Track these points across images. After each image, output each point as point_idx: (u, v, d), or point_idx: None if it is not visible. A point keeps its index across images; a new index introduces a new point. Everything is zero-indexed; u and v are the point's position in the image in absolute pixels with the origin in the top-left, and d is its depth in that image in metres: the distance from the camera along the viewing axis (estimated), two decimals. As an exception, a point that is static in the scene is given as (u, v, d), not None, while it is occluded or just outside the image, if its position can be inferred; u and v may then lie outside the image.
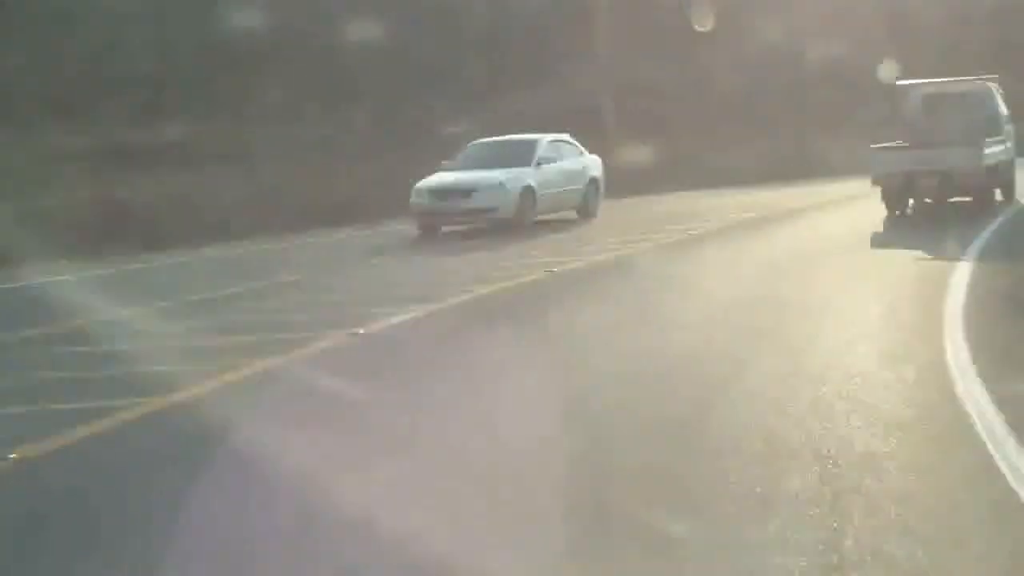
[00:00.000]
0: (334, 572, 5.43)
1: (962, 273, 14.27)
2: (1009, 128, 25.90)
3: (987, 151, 23.61)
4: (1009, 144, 25.59)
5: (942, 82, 25.97)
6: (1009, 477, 6.22)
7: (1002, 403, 7.53)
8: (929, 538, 5.49)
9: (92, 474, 7.35)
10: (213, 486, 6.54)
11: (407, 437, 7.70)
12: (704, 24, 37.98)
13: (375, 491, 6.42)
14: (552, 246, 20.54)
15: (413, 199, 23.85)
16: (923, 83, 25.92)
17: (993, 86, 25.62)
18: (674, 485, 6.48)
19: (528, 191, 23.81)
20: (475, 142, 26.15)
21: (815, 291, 14.25)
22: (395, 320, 12.45)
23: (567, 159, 25.47)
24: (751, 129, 38.32)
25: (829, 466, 6.49)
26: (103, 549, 5.88)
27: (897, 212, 23.84)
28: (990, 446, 6.76)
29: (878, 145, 24.81)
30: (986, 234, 19.05)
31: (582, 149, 26.29)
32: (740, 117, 39.12)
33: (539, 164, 24.43)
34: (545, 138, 25.42)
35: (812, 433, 7.19)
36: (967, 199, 23.97)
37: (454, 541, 5.60)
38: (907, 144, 24.73)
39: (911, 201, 24.28)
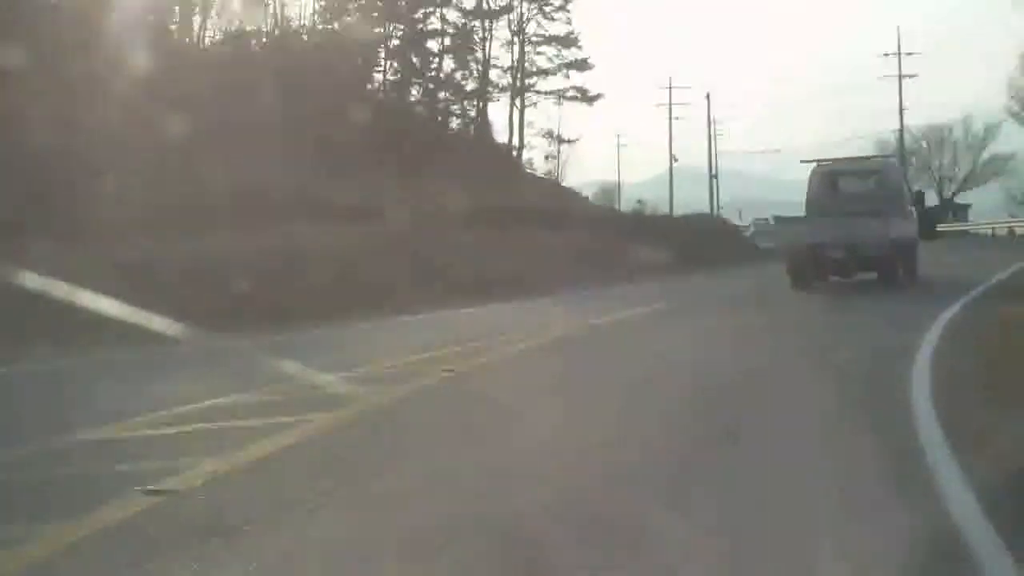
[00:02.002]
0: None
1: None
2: (910, 208, 26.50)
3: (893, 224, 23.86)
4: (911, 222, 26.03)
5: (848, 159, 27.02)
6: None
7: None
8: None
9: None
10: None
11: None
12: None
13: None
14: None
15: None
16: (829, 161, 26.67)
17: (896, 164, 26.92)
18: None
19: None
20: None
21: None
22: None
23: None
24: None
25: None
26: None
27: (803, 288, 24.01)
28: None
29: (783, 216, 25.53)
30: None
31: None
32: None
33: None
34: None
35: None
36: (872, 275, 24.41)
37: None
38: (812, 216, 25.02)
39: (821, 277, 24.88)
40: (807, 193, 26.04)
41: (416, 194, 34.78)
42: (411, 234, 29.46)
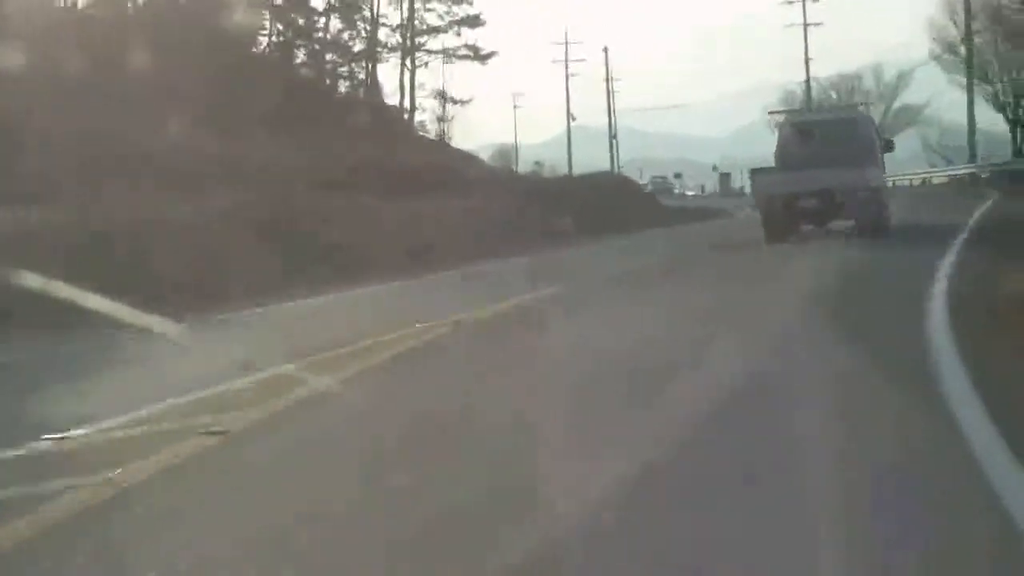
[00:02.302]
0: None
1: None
2: (882, 157, 26.54)
3: (870, 172, 24.32)
4: (883, 172, 26.41)
5: (818, 110, 27.92)
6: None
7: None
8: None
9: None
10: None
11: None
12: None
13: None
14: None
15: None
16: (797, 111, 27.41)
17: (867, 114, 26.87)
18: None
19: None
20: None
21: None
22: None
23: None
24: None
25: None
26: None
27: (778, 241, 23.94)
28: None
29: (758, 168, 25.59)
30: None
31: None
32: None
33: None
34: None
35: None
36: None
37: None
38: (789, 166, 24.98)
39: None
40: (778, 144, 26.25)
41: (298, 161, 32.07)
42: (288, 205, 26.60)
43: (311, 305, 17.73)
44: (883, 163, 26.69)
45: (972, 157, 67.73)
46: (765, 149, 29.36)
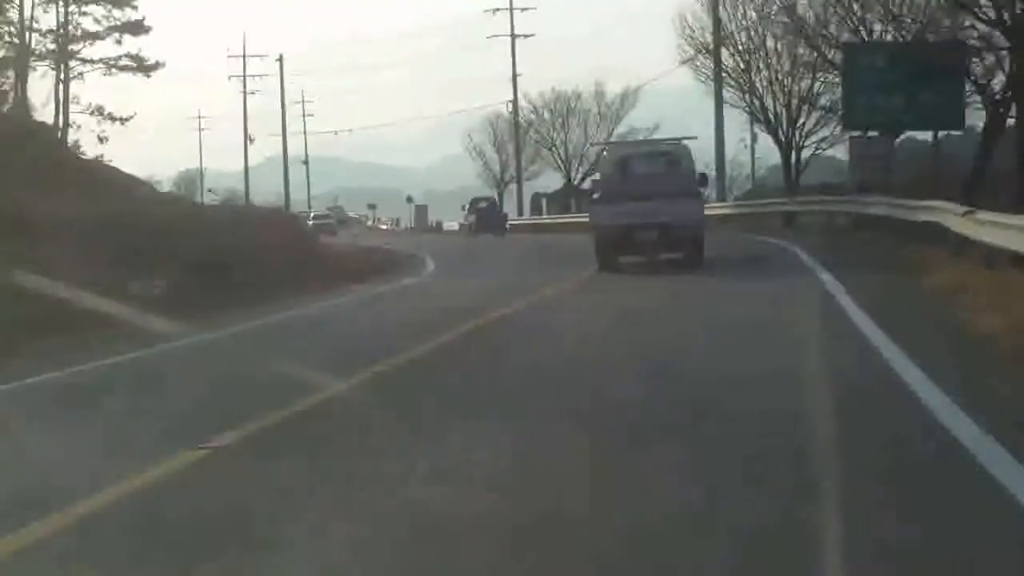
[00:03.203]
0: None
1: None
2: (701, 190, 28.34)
3: (701, 206, 27.10)
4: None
5: (639, 142, 33.55)
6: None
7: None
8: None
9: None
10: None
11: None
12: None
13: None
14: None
15: None
16: (623, 143, 34.00)
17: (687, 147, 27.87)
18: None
19: None
20: None
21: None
22: None
23: None
24: None
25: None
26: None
27: (610, 267, 25.72)
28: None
29: (597, 197, 26.78)
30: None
31: None
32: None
33: None
34: None
35: None
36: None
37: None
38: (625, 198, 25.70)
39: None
40: (599, 174, 28.41)
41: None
42: None
43: None
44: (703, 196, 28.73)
45: (722, 191, 56.45)
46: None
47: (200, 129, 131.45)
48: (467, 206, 73.68)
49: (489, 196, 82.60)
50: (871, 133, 39.02)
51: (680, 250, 25.69)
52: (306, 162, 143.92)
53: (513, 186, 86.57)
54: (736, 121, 54.24)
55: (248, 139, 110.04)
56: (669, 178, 26.11)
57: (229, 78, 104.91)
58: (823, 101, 47.21)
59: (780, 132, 49.15)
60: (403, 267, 35.27)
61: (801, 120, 48.88)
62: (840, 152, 57.58)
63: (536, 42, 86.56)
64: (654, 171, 26.55)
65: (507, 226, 66.95)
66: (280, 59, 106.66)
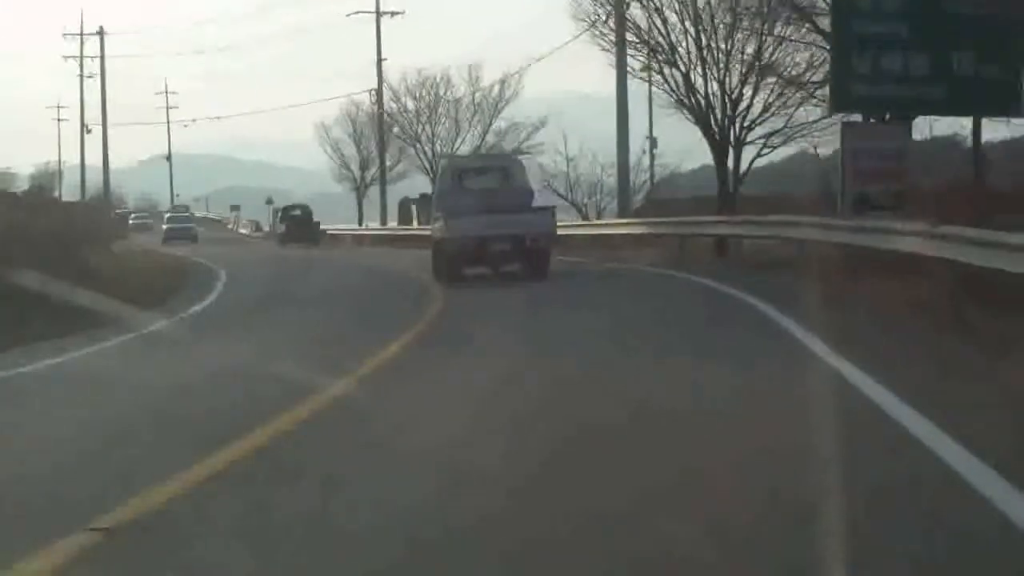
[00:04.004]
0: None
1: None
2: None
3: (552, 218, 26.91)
4: None
5: (476, 156, 33.19)
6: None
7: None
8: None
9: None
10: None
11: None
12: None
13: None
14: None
15: None
16: (459, 156, 32.80)
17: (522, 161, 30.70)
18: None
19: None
20: None
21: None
22: None
23: None
24: None
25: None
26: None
27: (457, 280, 25.18)
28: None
29: (450, 209, 26.03)
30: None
31: None
32: None
33: None
34: None
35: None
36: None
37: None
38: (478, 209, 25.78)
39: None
40: (439, 186, 29.09)
41: None
42: None
43: None
44: None
45: (625, 201, 41.88)
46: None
47: (59, 119, 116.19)
48: (279, 213, 70.29)
49: (304, 204, 73.56)
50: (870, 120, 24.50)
51: (529, 262, 25.92)
52: (169, 158, 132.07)
53: (375, 189, 71.52)
54: (666, 117, 38.37)
55: (84, 129, 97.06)
56: (512, 192, 26.87)
57: (65, 59, 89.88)
58: (789, 70, 31.77)
59: (713, 120, 33.69)
60: (179, 292, 27.18)
61: (743, 104, 33.57)
62: (790, 156, 43.07)
63: (408, 21, 71.25)
64: (485, 184, 27.14)
65: (319, 239, 61.61)
66: (101, 33, 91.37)
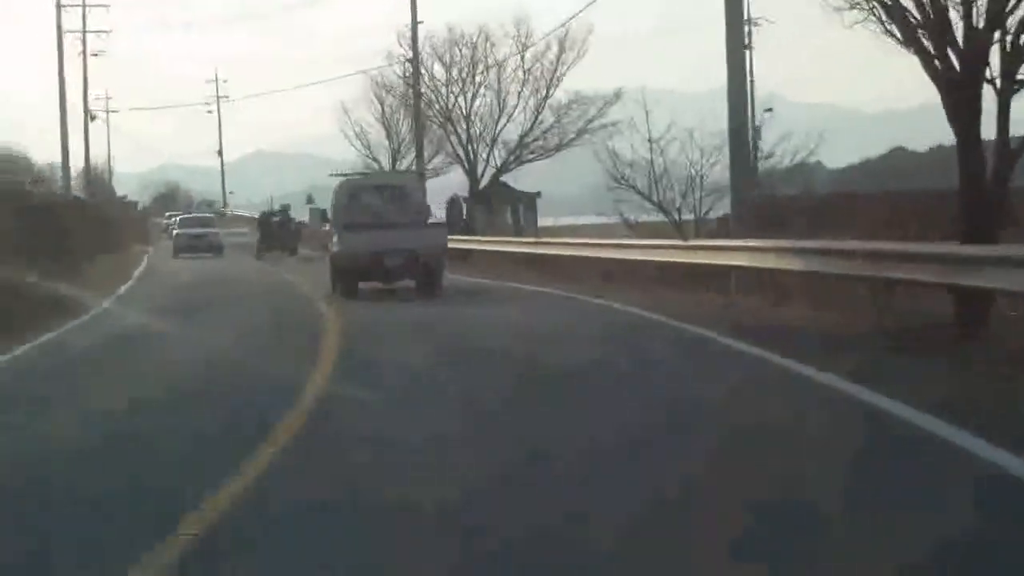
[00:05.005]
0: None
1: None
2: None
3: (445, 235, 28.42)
4: None
5: (372, 174, 33.27)
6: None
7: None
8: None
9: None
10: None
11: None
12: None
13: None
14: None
15: None
16: (353, 174, 31.68)
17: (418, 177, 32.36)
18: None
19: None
20: None
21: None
22: None
23: None
24: None
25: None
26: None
27: (351, 296, 25.64)
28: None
29: (348, 223, 26.83)
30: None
31: None
32: None
33: None
34: None
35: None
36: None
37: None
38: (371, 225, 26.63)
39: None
40: (334, 204, 28.51)
41: None
42: None
43: None
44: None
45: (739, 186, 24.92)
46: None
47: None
48: (257, 218, 64.39)
49: (285, 207, 58.59)
50: None
51: (422, 276, 26.46)
52: (220, 152, 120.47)
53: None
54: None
55: (88, 116, 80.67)
56: (394, 208, 27.39)
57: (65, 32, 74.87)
58: None
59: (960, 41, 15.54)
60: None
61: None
62: None
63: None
64: (380, 201, 27.61)
65: (295, 246, 54.44)
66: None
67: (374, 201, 27.34)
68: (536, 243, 36.50)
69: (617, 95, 44.90)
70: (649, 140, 35.57)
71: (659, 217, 35.44)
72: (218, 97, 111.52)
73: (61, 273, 27.45)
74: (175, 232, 56.81)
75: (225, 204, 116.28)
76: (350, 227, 26.49)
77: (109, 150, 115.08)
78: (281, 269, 40.97)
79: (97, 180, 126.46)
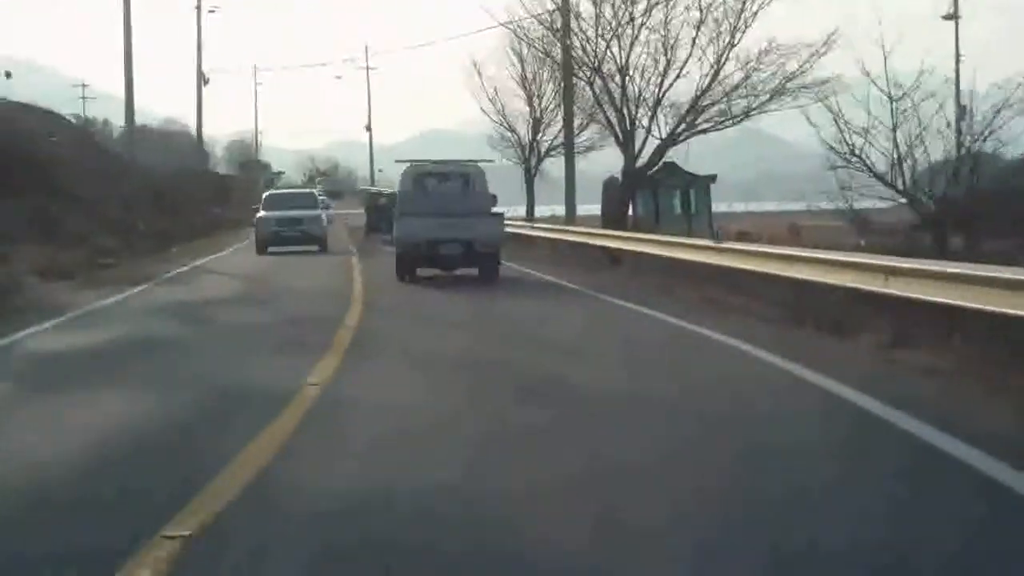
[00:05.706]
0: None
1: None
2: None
3: (502, 225, 28.04)
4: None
5: (437, 162, 29.01)
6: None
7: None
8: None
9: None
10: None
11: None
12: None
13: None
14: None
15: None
16: (420, 162, 28.96)
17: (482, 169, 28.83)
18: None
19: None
20: None
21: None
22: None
23: None
24: None
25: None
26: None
27: (407, 277, 26.57)
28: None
29: (407, 210, 26.97)
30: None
31: None
32: None
33: None
34: None
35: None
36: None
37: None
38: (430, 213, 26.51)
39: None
40: (400, 191, 28.74)
41: None
42: None
43: None
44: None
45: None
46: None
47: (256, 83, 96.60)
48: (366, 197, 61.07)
49: (391, 190, 45.50)
50: None
51: (481, 265, 26.88)
52: (368, 127, 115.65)
53: (553, 162, 45.23)
54: None
55: (201, 79, 76.16)
56: (458, 196, 27.39)
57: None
58: None
59: None
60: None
61: None
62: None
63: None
64: (444, 190, 27.69)
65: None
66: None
67: (436, 189, 27.73)
68: (732, 252, 21.13)
69: (829, 40, 33.38)
70: (889, 96, 24.13)
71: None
72: (367, 68, 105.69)
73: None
74: (258, 215, 42.90)
75: (373, 183, 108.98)
76: (409, 214, 27.05)
77: (256, 125, 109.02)
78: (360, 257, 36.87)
79: (246, 152, 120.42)
